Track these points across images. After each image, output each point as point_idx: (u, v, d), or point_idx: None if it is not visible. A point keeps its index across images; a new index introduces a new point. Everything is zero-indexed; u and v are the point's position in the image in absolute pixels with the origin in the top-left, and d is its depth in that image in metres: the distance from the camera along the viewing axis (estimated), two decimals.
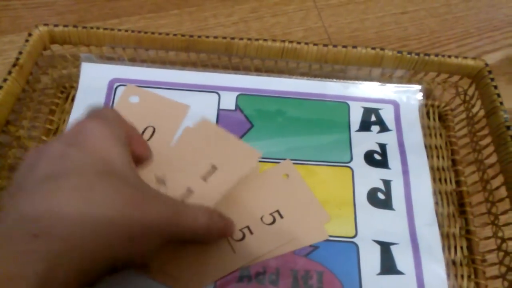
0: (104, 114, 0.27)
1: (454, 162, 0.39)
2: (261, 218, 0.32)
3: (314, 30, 0.49)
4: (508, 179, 0.33)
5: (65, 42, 0.39)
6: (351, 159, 0.36)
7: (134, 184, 0.25)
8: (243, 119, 0.37)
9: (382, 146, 0.37)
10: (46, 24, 0.37)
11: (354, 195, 0.34)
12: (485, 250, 0.34)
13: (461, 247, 0.35)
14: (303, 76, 0.40)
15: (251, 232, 0.31)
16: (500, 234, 0.33)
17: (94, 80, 0.38)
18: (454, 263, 0.34)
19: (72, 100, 0.38)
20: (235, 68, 0.41)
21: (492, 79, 0.36)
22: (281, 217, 0.32)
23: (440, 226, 0.35)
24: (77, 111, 0.36)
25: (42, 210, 0.21)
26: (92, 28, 0.38)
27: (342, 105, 0.38)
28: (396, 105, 0.39)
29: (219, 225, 0.29)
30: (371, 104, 0.39)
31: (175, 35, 0.39)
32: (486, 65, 0.37)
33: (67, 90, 0.40)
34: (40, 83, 0.39)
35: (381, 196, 0.34)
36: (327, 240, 0.32)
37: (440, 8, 0.51)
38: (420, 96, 0.39)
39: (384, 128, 0.38)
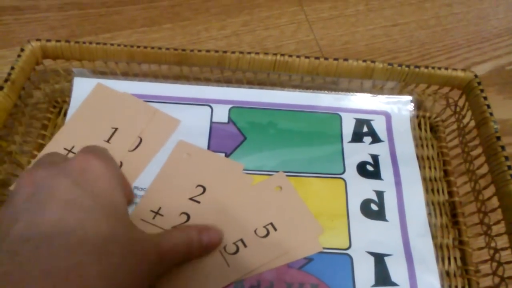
0: (102, 153, 0.27)
1: (446, 173, 0.39)
2: (255, 231, 0.32)
3: (305, 43, 0.50)
4: (500, 189, 0.33)
5: (57, 57, 0.39)
6: (344, 170, 0.36)
7: (128, 226, 0.25)
8: (236, 132, 0.37)
9: (375, 157, 0.37)
10: (38, 39, 0.37)
11: (347, 207, 0.34)
12: (479, 261, 0.34)
13: (455, 258, 0.35)
14: (295, 88, 0.41)
15: (244, 245, 0.31)
16: (493, 244, 0.33)
17: (86, 94, 0.38)
18: (448, 274, 0.34)
19: (65, 115, 0.38)
20: (228, 81, 0.41)
21: (482, 90, 0.37)
22: (275, 229, 0.32)
23: (434, 237, 0.35)
24: None
25: (64, 266, 0.20)
26: (84, 43, 0.38)
27: (334, 116, 0.39)
28: (387, 116, 0.39)
29: (201, 240, 0.29)
30: (363, 115, 0.39)
31: (167, 49, 0.39)
32: (476, 76, 0.38)
33: (59, 104, 0.40)
34: (33, 98, 0.39)
35: (374, 207, 0.34)
36: (321, 252, 0.32)
37: (430, 21, 0.52)
38: (411, 106, 0.39)
39: (376, 139, 0.38)
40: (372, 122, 0.39)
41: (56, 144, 0.35)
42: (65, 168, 0.25)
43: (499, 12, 0.54)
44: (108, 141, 0.36)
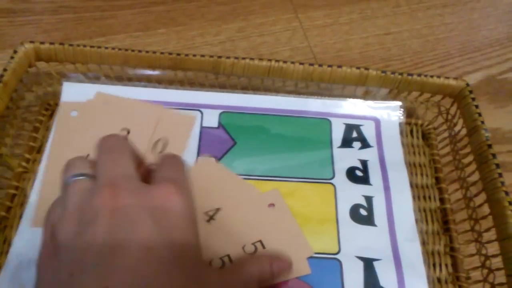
0: (183, 183, 0.26)
1: (437, 180, 0.39)
2: (243, 247, 0.32)
3: (300, 50, 0.50)
4: (490, 196, 0.33)
5: (50, 59, 0.38)
6: (333, 175, 0.36)
7: (202, 275, 0.25)
8: (226, 137, 0.37)
9: (364, 163, 0.37)
10: (32, 41, 0.37)
11: (336, 212, 0.34)
12: (470, 268, 0.35)
13: (446, 265, 0.35)
14: (289, 94, 0.41)
15: (230, 261, 0.31)
16: (484, 251, 0.34)
17: (75, 99, 0.38)
18: (439, 280, 0.34)
19: None
20: (222, 87, 0.41)
21: (473, 99, 0.37)
22: (263, 247, 0.32)
23: (425, 244, 0.35)
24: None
25: None
26: (78, 45, 0.38)
27: (324, 121, 0.39)
28: (377, 122, 0.39)
29: (272, 272, 0.29)
30: (353, 120, 0.39)
31: (162, 53, 0.39)
32: (467, 85, 0.38)
33: (51, 107, 0.40)
34: (25, 100, 0.39)
35: (363, 212, 0.34)
36: (311, 257, 0.32)
37: (422, 30, 0.53)
38: (400, 112, 0.40)
39: (365, 145, 0.38)
40: (361, 127, 0.39)
41: (66, 153, 0.35)
42: (147, 201, 0.23)
43: (490, 23, 0.54)
44: None
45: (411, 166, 0.39)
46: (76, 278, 0.20)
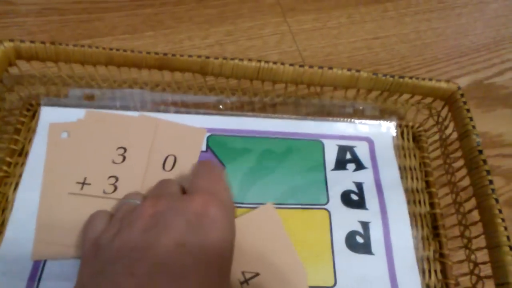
0: (223, 197, 0.27)
1: (428, 184, 0.39)
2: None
3: (288, 54, 0.49)
4: (481, 203, 0.33)
5: (32, 58, 0.37)
6: (328, 200, 0.35)
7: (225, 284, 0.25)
8: (215, 160, 0.36)
9: (359, 185, 0.36)
10: (11, 40, 0.36)
11: (332, 240, 0.33)
12: (459, 274, 0.34)
13: (435, 271, 0.35)
14: (279, 97, 0.40)
15: None
16: (473, 258, 0.33)
17: (55, 121, 0.37)
18: (428, 287, 0.34)
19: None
20: (211, 89, 0.41)
21: (465, 102, 0.37)
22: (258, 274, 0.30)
23: (414, 249, 0.35)
24: (34, 155, 0.35)
25: None
26: (60, 44, 0.37)
27: (316, 143, 0.38)
28: (370, 142, 0.39)
29: None
30: (346, 141, 0.38)
31: (148, 53, 0.38)
32: (459, 88, 0.38)
33: (33, 108, 0.39)
34: (5, 102, 0.38)
35: (359, 239, 0.33)
36: None
37: (410, 35, 0.53)
38: (394, 132, 0.39)
39: (360, 166, 0.37)
40: (355, 148, 0.38)
41: (61, 178, 0.34)
42: (184, 206, 0.25)
43: (477, 27, 0.55)
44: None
45: (401, 170, 0.39)
46: (108, 268, 0.23)
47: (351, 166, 0.37)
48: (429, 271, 0.35)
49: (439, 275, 0.34)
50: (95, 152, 0.35)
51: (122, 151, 0.36)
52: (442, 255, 0.35)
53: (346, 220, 0.34)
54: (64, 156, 0.35)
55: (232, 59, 0.38)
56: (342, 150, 0.38)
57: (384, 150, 0.38)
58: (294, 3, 0.54)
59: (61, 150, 0.35)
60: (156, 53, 0.38)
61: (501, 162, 0.44)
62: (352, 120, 0.40)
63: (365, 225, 0.34)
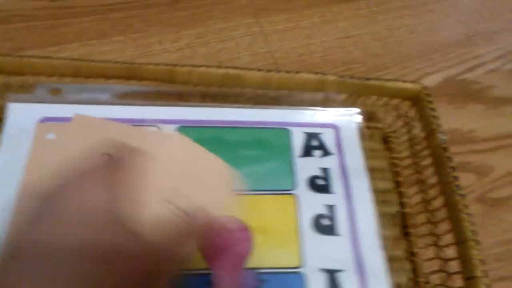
0: None
1: (397, 184, 0.39)
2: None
3: (261, 55, 0.49)
4: (448, 200, 0.34)
5: None
6: (295, 186, 0.36)
7: None
8: None
9: (325, 171, 0.37)
10: None
11: (298, 223, 0.34)
12: (429, 272, 0.35)
13: (406, 270, 0.35)
14: (248, 101, 0.40)
15: None
16: (442, 255, 0.34)
17: (21, 121, 0.36)
18: (399, 286, 0.34)
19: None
20: (178, 95, 0.41)
21: (430, 102, 0.37)
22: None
23: (385, 249, 0.35)
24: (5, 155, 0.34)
25: None
26: (25, 56, 0.36)
27: (283, 131, 0.38)
28: (336, 129, 0.39)
29: None
30: (312, 129, 0.39)
31: (115, 62, 0.38)
32: (424, 88, 0.38)
33: None
34: None
35: (326, 222, 0.34)
36: (273, 273, 0.31)
37: (383, 32, 0.53)
38: (359, 118, 0.39)
39: (326, 152, 0.38)
40: (321, 135, 0.39)
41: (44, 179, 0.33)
42: None
43: (449, 23, 0.55)
44: None
45: (371, 171, 0.39)
46: None
47: (317, 153, 0.38)
48: (400, 270, 0.35)
49: (410, 274, 0.35)
50: (78, 156, 0.35)
51: (105, 158, 0.35)
52: (412, 253, 0.36)
53: (313, 204, 0.35)
54: (49, 157, 0.34)
55: (200, 66, 0.38)
56: (309, 137, 0.38)
57: (349, 136, 0.39)
58: (266, 3, 0.54)
59: (47, 150, 0.35)
60: (124, 63, 0.38)
61: (472, 158, 0.45)
62: (319, 108, 0.40)
63: (331, 208, 0.35)
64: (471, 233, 0.31)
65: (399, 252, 0.36)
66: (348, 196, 0.36)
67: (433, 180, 0.36)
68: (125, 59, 0.45)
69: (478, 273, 0.29)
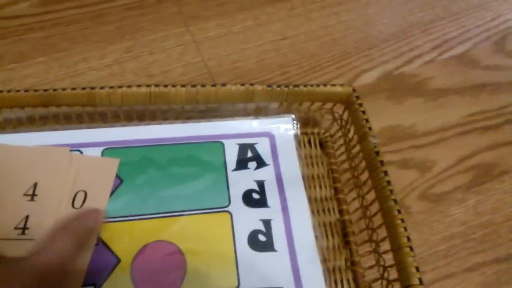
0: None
1: (336, 191, 0.38)
2: None
3: (193, 65, 0.47)
4: (382, 205, 0.33)
5: None
6: (229, 202, 0.34)
7: None
8: None
9: (260, 183, 0.35)
10: None
11: (234, 242, 0.32)
12: (371, 279, 0.34)
13: (348, 280, 0.34)
14: (178, 118, 0.39)
15: None
16: (381, 262, 0.33)
17: None
18: None
19: None
20: (103, 116, 0.39)
21: (360, 105, 0.37)
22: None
23: (326, 261, 0.34)
24: None
25: None
26: None
27: (216, 145, 0.37)
28: (271, 137, 0.38)
29: None
30: (246, 139, 0.37)
31: (26, 91, 0.35)
32: (354, 90, 0.38)
33: None
34: None
35: (262, 238, 0.33)
36: None
37: (318, 31, 0.52)
38: (293, 125, 0.38)
39: (261, 163, 0.36)
40: (256, 145, 0.37)
41: None
42: None
43: (385, 16, 0.54)
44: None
45: (309, 179, 0.38)
46: None
47: (252, 165, 0.36)
48: (342, 281, 0.34)
49: (352, 284, 0.34)
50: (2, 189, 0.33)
51: (32, 187, 0.33)
52: (353, 262, 0.35)
53: (248, 220, 0.34)
54: None
55: (120, 87, 0.36)
56: (243, 148, 0.37)
57: (285, 144, 0.38)
58: (196, 10, 0.52)
59: None
60: (36, 90, 0.35)
61: (414, 153, 0.44)
62: (252, 117, 0.39)
63: (267, 223, 0.34)
64: (405, 240, 0.30)
65: (341, 262, 0.35)
66: (284, 209, 0.34)
67: (370, 184, 0.36)
68: (49, 81, 0.43)
69: (414, 281, 0.29)
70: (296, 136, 0.38)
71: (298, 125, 0.38)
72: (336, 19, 0.53)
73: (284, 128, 0.38)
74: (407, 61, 0.51)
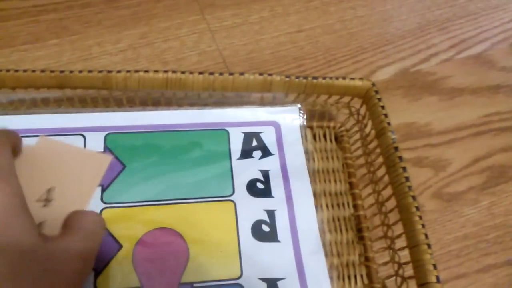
0: (2, 170, 0.23)
1: (351, 185, 0.38)
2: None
3: (208, 54, 0.47)
4: (400, 201, 0.32)
5: None
6: (233, 191, 0.34)
7: (43, 254, 0.22)
8: (114, 161, 0.33)
9: (265, 173, 0.35)
10: None
11: (238, 231, 0.32)
12: (384, 276, 0.34)
13: (361, 276, 0.34)
14: (193, 106, 0.38)
15: None
16: (396, 258, 0.33)
17: None
18: None
19: None
20: (117, 102, 0.38)
21: (379, 99, 0.36)
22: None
23: (339, 255, 0.34)
24: None
25: None
26: None
27: (221, 132, 0.36)
28: (277, 126, 0.37)
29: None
30: (252, 128, 0.37)
31: (42, 71, 0.35)
32: (373, 85, 0.37)
33: None
34: None
35: (265, 228, 0.32)
36: (212, 286, 0.29)
37: (335, 25, 0.51)
38: (300, 114, 0.37)
39: (266, 153, 0.36)
40: (261, 134, 0.36)
41: None
42: None
43: (402, 13, 0.54)
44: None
45: (324, 173, 0.38)
46: None
47: (257, 154, 0.36)
48: (355, 276, 0.34)
49: (365, 280, 0.34)
50: None
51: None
52: (367, 258, 0.34)
53: (252, 210, 0.33)
54: None
55: (137, 71, 0.36)
56: (248, 137, 0.36)
57: (291, 134, 0.37)
58: None
59: None
60: (52, 71, 0.35)
61: (429, 152, 0.44)
62: (258, 106, 0.38)
63: (271, 213, 0.33)
64: (423, 237, 0.30)
65: (354, 257, 0.35)
66: (289, 199, 0.34)
67: (386, 180, 0.35)
68: (62, 64, 0.42)
69: (431, 279, 0.28)
70: (302, 126, 0.37)
71: (305, 115, 0.38)
72: (353, 13, 0.53)
73: (291, 117, 0.38)
74: (424, 59, 0.50)
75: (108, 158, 0.33)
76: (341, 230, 0.35)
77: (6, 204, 0.22)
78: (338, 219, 0.36)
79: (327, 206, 0.36)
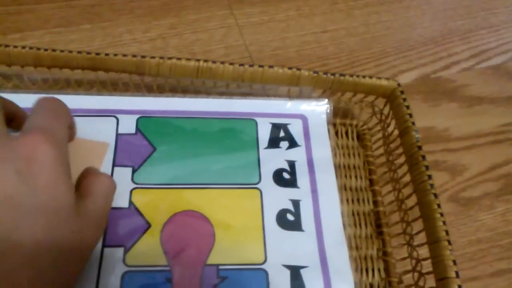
0: (54, 133, 0.24)
1: (371, 182, 0.39)
2: None
3: (235, 48, 0.48)
4: (421, 199, 0.33)
5: None
6: (260, 179, 0.34)
7: (69, 225, 0.23)
8: (145, 143, 0.34)
9: (291, 163, 0.35)
10: None
11: (263, 219, 0.33)
12: (402, 271, 0.34)
13: (379, 270, 0.34)
14: (221, 95, 0.39)
15: None
16: (415, 254, 0.33)
17: None
18: (371, 286, 0.33)
19: None
20: (148, 88, 0.39)
21: (405, 99, 0.37)
22: None
23: (358, 249, 0.35)
24: None
25: None
26: None
27: (249, 122, 0.37)
28: (304, 119, 0.38)
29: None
30: (280, 119, 0.37)
31: (79, 52, 0.36)
32: (399, 85, 0.38)
33: None
34: None
35: (290, 217, 0.33)
36: (236, 269, 0.30)
37: (359, 28, 0.52)
38: (327, 109, 0.38)
39: (293, 144, 0.36)
40: (288, 126, 0.37)
41: None
42: (11, 152, 0.22)
43: (425, 20, 0.55)
44: None
45: (345, 168, 0.39)
46: None
47: (284, 144, 0.36)
48: (373, 270, 0.34)
49: (383, 274, 0.34)
50: None
51: None
52: (385, 253, 0.35)
53: (277, 198, 0.34)
54: None
55: (170, 58, 0.36)
56: (276, 127, 0.37)
57: (318, 128, 0.38)
58: None
59: None
60: (88, 53, 0.36)
61: (446, 157, 0.45)
62: (287, 98, 0.39)
63: (296, 203, 0.34)
64: (444, 233, 0.30)
65: (373, 251, 0.35)
66: (314, 191, 0.35)
67: (407, 178, 0.36)
68: (93, 49, 0.43)
69: (450, 274, 0.29)
70: (329, 120, 0.38)
71: (332, 110, 0.39)
72: (377, 18, 0.54)
73: (319, 111, 0.38)
74: (445, 66, 0.51)
75: (106, 145, 0.34)
76: (360, 225, 0.36)
77: (57, 167, 0.22)
78: (358, 214, 0.37)
79: (347, 200, 0.37)
